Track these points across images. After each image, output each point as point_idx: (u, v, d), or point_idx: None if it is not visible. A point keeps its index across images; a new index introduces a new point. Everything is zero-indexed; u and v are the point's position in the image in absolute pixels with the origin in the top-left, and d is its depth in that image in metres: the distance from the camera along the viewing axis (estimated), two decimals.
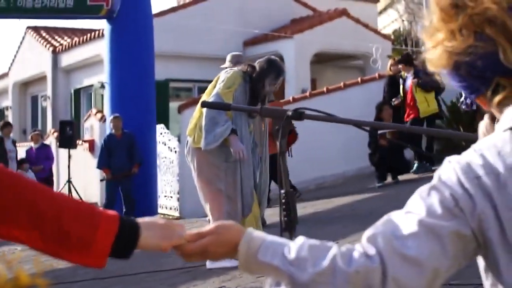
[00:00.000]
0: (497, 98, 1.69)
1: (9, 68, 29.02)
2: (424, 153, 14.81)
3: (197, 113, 7.65)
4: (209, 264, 7.29)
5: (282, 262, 1.70)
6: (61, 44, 25.41)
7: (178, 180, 15.32)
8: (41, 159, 18.14)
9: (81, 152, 19.15)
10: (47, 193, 1.92)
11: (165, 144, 16.15)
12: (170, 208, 15.77)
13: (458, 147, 14.35)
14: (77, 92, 25.03)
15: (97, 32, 22.48)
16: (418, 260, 1.61)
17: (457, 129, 14.45)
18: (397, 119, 13.75)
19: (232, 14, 22.42)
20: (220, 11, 22.22)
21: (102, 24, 17.94)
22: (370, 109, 13.97)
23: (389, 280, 1.62)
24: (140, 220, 1.99)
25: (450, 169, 1.67)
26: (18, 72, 27.83)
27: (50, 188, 2.00)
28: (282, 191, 2.16)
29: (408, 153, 14.20)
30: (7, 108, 29.47)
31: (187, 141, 7.78)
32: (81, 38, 23.91)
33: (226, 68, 10.24)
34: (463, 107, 13.42)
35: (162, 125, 16.48)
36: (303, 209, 11.24)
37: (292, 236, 2.14)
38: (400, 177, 13.43)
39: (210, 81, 7.91)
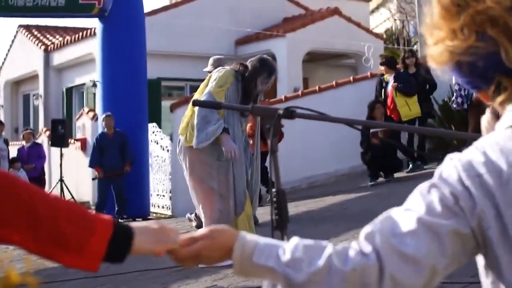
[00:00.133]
0: (499, 99, 1.68)
1: (1, 67, 28.94)
2: (415, 152, 14.83)
3: (189, 112, 7.65)
4: None
5: (277, 264, 1.70)
6: (53, 43, 25.36)
7: (170, 179, 15.32)
8: (33, 158, 18.10)
9: (73, 151, 19.12)
10: (42, 196, 1.92)
11: (157, 143, 16.14)
12: (162, 207, 15.77)
13: (450, 146, 14.45)
14: (69, 90, 24.98)
15: (89, 31, 22.45)
16: (416, 258, 1.60)
17: (448, 128, 14.48)
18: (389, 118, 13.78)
19: (224, 13, 22.41)
20: (212, 9, 22.21)
21: (94, 23, 17.89)
22: (362, 108, 13.99)
23: (386, 278, 1.61)
24: (134, 224, 1.99)
25: (451, 167, 1.66)
26: (9, 70, 27.77)
27: (45, 191, 2.00)
28: (274, 190, 2.16)
29: (400, 152, 14.22)
30: None
31: (179, 140, 7.77)
32: (73, 37, 23.88)
33: (209, 72, 10.33)
34: (454, 106, 13.43)
35: (154, 124, 16.47)
36: (295, 208, 11.25)
37: (283, 235, 2.14)
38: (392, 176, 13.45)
39: (202, 80, 7.91)
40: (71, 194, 17.09)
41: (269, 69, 7.66)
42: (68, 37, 24.47)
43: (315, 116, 2.47)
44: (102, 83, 15.54)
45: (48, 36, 26.45)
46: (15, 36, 27.76)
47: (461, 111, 13.71)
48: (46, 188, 18.69)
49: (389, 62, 14.56)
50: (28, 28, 26.84)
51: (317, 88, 16.72)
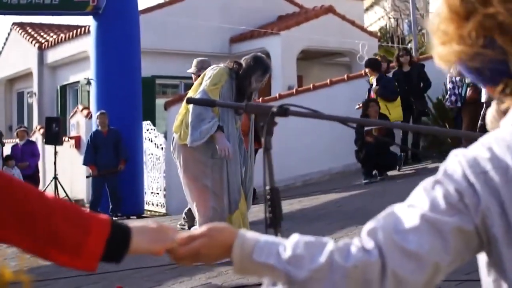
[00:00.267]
0: (507, 99, 1.68)
1: None
2: (410, 149, 14.85)
3: (183, 110, 7.64)
4: None
5: (278, 261, 1.69)
6: (47, 41, 25.32)
7: (164, 176, 15.31)
8: (26, 155, 18.07)
9: (67, 149, 19.09)
10: (38, 195, 1.91)
11: (151, 141, 16.13)
12: (157, 205, 15.76)
13: (444, 144, 14.45)
14: (63, 88, 24.94)
15: (83, 29, 22.42)
16: (419, 255, 1.59)
17: (442, 126, 14.49)
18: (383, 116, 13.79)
19: (218, 11, 22.40)
20: (207, 7, 22.19)
21: (88, 21, 17.88)
22: (356, 105, 14.00)
23: (389, 274, 1.60)
24: (132, 224, 1.99)
25: (456, 163, 1.64)
26: (3, 68, 27.71)
27: (40, 190, 1.99)
28: (267, 188, 2.16)
29: (395, 150, 14.22)
30: None
31: (173, 138, 7.77)
32: (67, 35, 23.84)
33: (192, 73, 10.43)
34: (448, 104, 13.45)
35: (148, 122, 16.46)
36: (289, 205, 11.25)
37: (277, 233, 2.14)
38: (387, 174, 13.46)
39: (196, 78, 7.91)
40: (65, 192, 17.07)
41: (263, 67, 7.67)
42: (62, 35, 24.43)
43: (309, 114, 2.47)
44: (96, 81, 15.52)
45: (42, 33, 26.41)
46: (9, 34, 27.70)
47: (455, 109, 13.75)
48: (40, 186, 18.67)
49: (372, 64, 14.53)
50: (22, 25, 26.79)
51: (311, 86, 16.72)
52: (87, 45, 19.17)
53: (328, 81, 16.66)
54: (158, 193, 15.78)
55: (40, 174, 19.29)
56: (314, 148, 15.49)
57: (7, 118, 28.00)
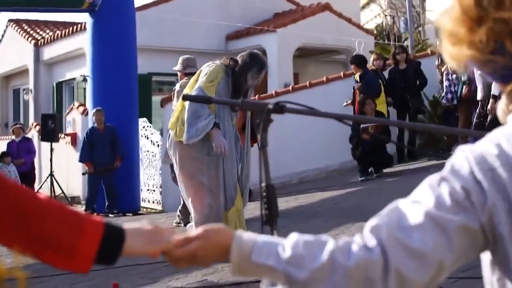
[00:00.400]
0: None
1: None
2: (406, 147, 14.86)
3: (179, 107, 7.64)
4: None
5: (278, 262, 1.67)
6: (43, 37, 25.28)
7: (160, 173, 15.31)
8: (22, 152, 18.05)
9: (63, 146, 19.07)
10: (31, 196, 1.90)
11: (147, 138, 16.12)
12: (153, 202, 15.76)
13: (440, 141, 14.46)
14: (59, 85, 24.92)
15: (79, 26, 22.38)
16: (422, 253, 1.56)
17: (438, 124, 14.49)
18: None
19: (214, 8, 22.38)
20: (203, 4, 22.17)
21: (84, 18, 17.86)
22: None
23: (391, 272, 1.58)
24: (127, 225, 1.97)
25: (462, 159, 1.60)
26: (0, 65, 27.69)
27: (34, 192, 1.98)
28: (263, 185, 2.16)
29: (391, 147, 14.23)
30: None
31: (169, 135, 7.76)
32: (63, 31, 23.80)
33: (178, 71, 10.50)
34: (444, 101, 13.46)
35: (144, 119, 16.45)
36: (285, 203, 11.25)
37: (273, 230, 2.14)
38: (383, 171, 13.46)
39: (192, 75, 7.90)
40: (61, 189, 17.06)
41: (259, 63, 7.66)
42: (58, 32, 24.40)
43: (305, 111, 2.47)
44: (93, 78, 15.52)
45: (38, 30, 26.36)
46: (5, 31, 27.65)
47: (451, 107, 13.76)
48: (36, 183, 18.65)
49: (357, 60, 14.54)
50: (18, 22, 26.74)
51: (307, 83, 16.72)
52: (83, 42, 19.13)
53: (324, 78, 16.66)
54: (154, 190, 15.77)
55: (36, 171, 19.27)
56: (310, 145, 15.50)
57: (3, 115, 27.97)
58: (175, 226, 10.41)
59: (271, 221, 2.14)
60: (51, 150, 17.14)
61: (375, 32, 24.63)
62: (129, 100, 15.16)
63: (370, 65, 15.18)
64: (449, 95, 13.28)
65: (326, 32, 21.51)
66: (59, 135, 18.24)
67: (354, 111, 13.96)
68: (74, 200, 18.45)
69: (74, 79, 23.48)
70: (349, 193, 11.95)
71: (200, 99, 6.17)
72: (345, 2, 25.20)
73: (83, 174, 15.99)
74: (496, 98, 11.45)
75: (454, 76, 13.32)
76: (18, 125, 18.99)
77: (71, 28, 23.26)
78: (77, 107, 19.71)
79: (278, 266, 1.66)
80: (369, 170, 13.44)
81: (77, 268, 1.89)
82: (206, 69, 7.56)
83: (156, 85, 23.22)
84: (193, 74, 10.52)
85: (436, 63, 14.46)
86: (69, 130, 20.16)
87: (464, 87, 13.31)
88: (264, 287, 1.77)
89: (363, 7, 28.20)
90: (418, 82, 14.76)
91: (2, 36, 27.86)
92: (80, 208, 15.46)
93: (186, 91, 7.72)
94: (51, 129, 17.26)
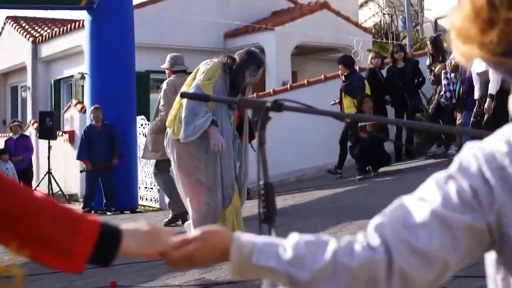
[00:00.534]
0: None
1: None
2: (404, 145, 14.86)
3: (177, 105, 7.63)
4: None
5: (279, 263, 1.65)
6: (41, 35, 25.26)
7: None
8: (20, 150, 18.03)
9: (61, 143, 19.05)
10: (27, 195, 1.89)
11: (145, 136, 16.09)
12: (151, 200, 15.75)
13: (438, 140, 14.46)
14: (57, 83, 24.90)
15: (77, 23, 22.37)
16: (427, 252, 1.54)
17: (436, 122, 14.48)
18: (378, 112, 13.80)
19: (213, 6, 22.37)
20: (201, 2, 22.16)
21: (82, 15, 17.85)
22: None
23: (395, 272, 1.55)
24: (124, 226, 1.96)
25: (471, 156, 1.57)
26: None
27: (31, 190, 1.97)
28: (261, 183, 2.15)
29: (388, 146, 14.23)
30: None
31: (167, 133, 7.75)
32: (61, 29, 23.79)
33: (166, 69, 10.57)
34: (443, 100, 13.46)
35: (142, 117, 16.43)
36: (283, 201, 11.25)
37: (271, 228, 2.13)
38: (380, 170, 13.46)
39: (190, 73, 7.89)
40: (59, 186, 17.04)
41: (257, 61, 7.65)
42: (56, 29, 24.38)
43: (304, 109, 2.47)
44: (91, 76, 15.50)
45: (36, 28, 26.33)
46: (3, 28, 27.62)
47: (450, 105, 13.75)
48: (34, 181, 18.64)
49: (344, 60, 14.56)
50: (16, 19, 26.71)
51: (305, 81, 16.73)
52: (81, 39, 19.12)
53: (322, 76, 16.66)
54: (152, 188, 15.76)
55: (34, 169, 19.24)
56: (308, 143, 15.50)
57: (1, 112, 27.95)
58: (167, 221, 10.42)
59: (269, 219, 2.13)
60: (49, 147, 17.12)
61: (373, 30, 24.64)
62: (127, 97, 15.15)
63: (368, 64, 15.19)
64: (448, 94, 13.27)
65: (324, 30, 21.51)
66: (57, 132, 18.23)
67: (340, 111, 13.99)
68: (72, 197, 18.45)
69: (72, 76, 23.48)
70: (347, 192, 11.96)
71: (198, 97, 6.15)
72: (343, 1, 25.18)
73: (81, 171, 15.98)
74: (493, 97, 11.46)
75: (452, 75, 13.32)
76: (15, 123, 18.97)
77: (69, 26, 23.23)
78: (75, 105, 19.70)
79: (279, 268, 1.64)
80: (367, 168, 13.44)
81: (71, 268, 1.88)
82: (203, 67, 7.55)
83: (154, 83, 23.17)
84: (181, 72, 10.64)
85: (428, 62, 14.39)
86: (67, 127, 20.15)
87: (462, 85, 13.31)
88: (265, 287, 1.76)
89: (361, 5, 28.18)
90: (416, 80, 14.76)
91: (0, 33, 27.82)
92: (78, 206, 15.46)
93: (183, 89, 7.70)
94: (49, 126, 17.25)
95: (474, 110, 11.91)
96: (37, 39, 25.13)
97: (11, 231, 1.83)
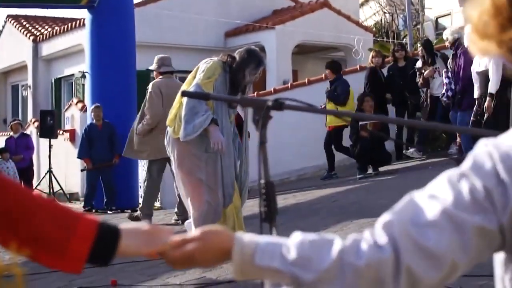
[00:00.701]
0: None
1: None
2: (404, 144, 14.85)
3: (177, 103, 7.62)
4: None
5: (283, 264, 1.62)
6: (42, 33, 25.27)
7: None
8: (21, 148, 18.05)
9: (61, 142, 19.06)
10: (25, 194, 1.88)
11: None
12: None
13: (438, 139, 14.44)
14: (58, 81, 24.91)
15: (78, 22, 22.37)
16: (435, 252, 1.51)
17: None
18: (378, 111, 13.79)
19: (213, 5, 22.37)
20: (202, 1, 22.17)
21: (83, 14, 17.85)
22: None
23: (403, 271, 1.52)
24: (123, 226, 1.94)
25: (485, 154, 1.53)
26: None
27: (28, 189, 1.96)
28: (262, 182, 2.15)
29: (389, 145, 14.22)
30: None
31: (167, 132, 7.74)
32: (62, 27, 23.80)
33: (153, 70, 10.66)
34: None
35: None
36: (284, 200, 11.25)
37: (272, 227, 2.13)
38: (381, 169, 13.45)
39: (191, 72, 7.89)
40: (59, 185, 17.05)
41: (257, 60, 7.64)
42: (57, 28, 24.40)
43: (305, 108, 2.46)
44: (91, 74, 15.49)
45: (37, 26, 26.34)
46: (3, 26, 27.63)
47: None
48: (35, 179, 18.65)
49: (332, 66, 14.57)
50: (16, 18, 26.72)
51: (306, 80, 16.72)
52: (82, 38, 19.12)
53: (323, 75, 16.64)
54: None
55: (35, 168, 19.26)
56: (309, 142, 15.49)
57: (1, 111, 27.97)
58: (174, 223, 10.42)
59: (270, 218, 2.13)
60: (50, 146, 17.13)
61: (374, 29, 24.64)
62: (128, 96, 15.14)
63: (368, 63, 15.18)
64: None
65: (325, 29, 21.51)
66: (58, 131, 18.24)
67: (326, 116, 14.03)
68: (73, 196, 18.46)
69: (72, 75, 23.49)
70: (348, 191, 11.95)
71: (199, 95, 6.14)
72: None
73: (82, 170, 15.98)
74: (493, 96, 11.45)
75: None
76: (16, 121, 18.98)
77: (69, 24, 23.24)
78: (76, 104, 19.71)
79: (283, 268, 1.62)
80: (368, 167, 13.44)
81: (68, 268, 1.87)
82: (203, 65, 7.54)
83: None
84: (168, 73, 10.73)
85: (418, 65, 14.28)
86: (67, 126, 20.16)
87: (456, 85, 13.31)
88: (268, 287, 1.74)
89: (362, 4, 28.19)
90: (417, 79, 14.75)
91: (1, 32, 27.83)
92: (79, 205, 15.47)
93: (184, 87, 7.71)
94: (49, 125, 17.26)
95: (474, 109, 11.90)
96: (38, 37, 25.14)
97: (10, 231, 1.83)
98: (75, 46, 22.27)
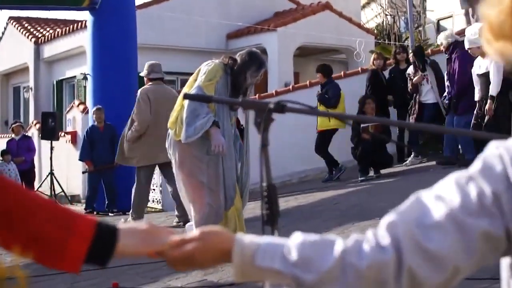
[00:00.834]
0: None
1: None
2: (406, 146, 14.84)
3: (178, 106, 7.62)
4: None
5: (284, 265, 1.60)
6: (44, 35, 25.28)
7: (160, 172, 15.27)
8: (22, 150, 18.05)
9: (63, 144, 19.06)
10: (23, 194, 1.88)
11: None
12: (153, 201, 15.71)
13: (441, 141, 14.43)
14: (60, 83, 24.92)
15: (79, 24, 22.38)
16: (438, 255, 1.48)
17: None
18: (380, 113, 13.80)
19: (215, 7, 22.39)
20: (203, 3, 22.17)
21: (84, 16, 17.86)
22: (352, 103, 14.00)
23: (404, 272, 1.50)
24: (122, 226, 1.93)
25: (496, 157, 1.49)
26: (0, 63, 27.68)
27: (26, 189, 1.95)
28: (264, 184, 2.15)
29: (391, 147, 14.22)
30: None
31: (168, 134, 7.75)
32: (63, 29, 23.81)
33: (144, 76, 10.73)
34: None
35: None
36: (285, 202, 11.25)
37: (274, 230, 2.13)
38: (382, 171, 13.45)
39: (192, 74, 7.89)
40: (61, 187, 17.05)
41: (258, 62, 7.65)
42: (58, 30, 24.40)
43: (306, 110, 2.46)
44: (93, 76, 15.51)
45: (38, 28, 26.36)
46: (5, 28, 27.65)
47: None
48: (36, 181, 18.65)
49: (323, 69, 14.57)
50: (18, 20, 26.74)
51: (307, 83, 16.70)
52: (83, 40, 19.14)
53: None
54: (154, 189, 15.72)
55: (36, 169, 19.27)
56: (310, 145, 15.46)
57: (3, 113, 27.98)
58: (175, 225, 10.42)
59: (272, 221, 2.13)
60: (51, 148, 17.13)
61: (375, 31, 24.63)
62: (130, 98, 15.09)
63: (370, 65, 15.17)
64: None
65: (326, 31, 21.51)
66: (59, 133, 18.24)
67: (317, 119, 14.06)
68: (74, 198, 18.45)
69: (74, 77, 23.49)
70: (349, 193, 11.95)
71: (201, 98, 6.15)
72: (346, 2, 25.21)
73: (83, 172, 15.98)
74: (494, 98, 11.45)
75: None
76: (17, 124, 18.98)
77: (71, 26, 23.25)
78: (77, 106, 19.70)
79: (284, 270, 1.60)
80: (369, 169, 13.44)
81: (66, 267, 1.86)
82: (204, 68, 7.55)
83: None
84: (158, 79, 10.81)
85: (409, 71, 14.25)
86: (69, 128, 20.15)
87: (451, 89, 13.32)
88: (268, 287, 1.74)
89: (364, 6, 28.20)
90: None
91: (3, 33, 27.85)
92: (80, 207, 15.47)
93: (185, 90, 7.71)
94: (51, 127, 17.26)
95: (475, 112, 11.90)
96: (40, 39, 25.15)
97: (10, 231, 1.83)
98: (76, 48, 22.28)
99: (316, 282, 1.57)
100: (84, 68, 18.73)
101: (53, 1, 16.14)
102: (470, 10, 21.76)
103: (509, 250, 1.51)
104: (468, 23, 20.45)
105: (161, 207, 15.09)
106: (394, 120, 13.74)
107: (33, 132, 21.25)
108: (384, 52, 17.48)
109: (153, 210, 15.24)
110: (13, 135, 18.74)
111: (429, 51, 16.52)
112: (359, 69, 16.87)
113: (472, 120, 11.89)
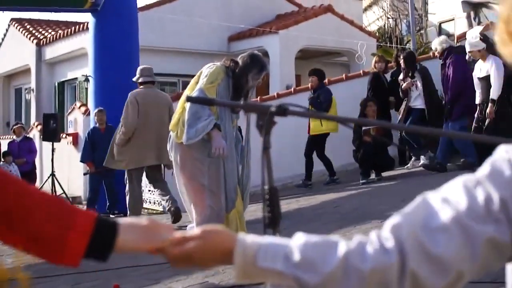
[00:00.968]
0: None
1: None
2: (407, 149, 14.83)
3: (180, 108, 7.63)
4: None
5: (286, 266, 1.59)
6: (45, 37, 25.30)
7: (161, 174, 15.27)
8: (23, 152, 18.05)
9: (64, 146, 19.07)
10: (25, 192, 1.88)
11: None
12: (154, 203, 15.73)
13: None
14: (61, 85, 24.93)
15: (81, 25, 22.40)
16: (442, 259, 1.47)
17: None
18: (381, 116, 13.79)
19: (217, 9, 22.39)
20: (205, 5, 22.18)
21: (86, 17, 17.90)
22: (354, 105, 13.99)
23: (407, 275, 1.49)
24: (122, 221, 1.91)
25: (505, 162, 1.47)
26: (1, 64, 27.68)
27: (26, 184, 1.94)
28: (266, 187, 2.15)
29: (392, 150, 14.21)
30: None
31: (170, 136, 7.75)
32: (65, 31, 23.82)
33: (135, 81, 10.79)
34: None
35: None
36: (286, 205, 11.24)
37: (275, 232, 2.13)
38: (384, 174, 13.44)
39: (194, 76, 7.90)
40: (62, 189, 17.05)
41: (259, 65, 7.66)
42: (60, 31, 24.42)
43: (308, 113, 2.47)
44: (95, 78, 15.52)
45: (40, 30, 26.39)
46: (7, 30, 27.68)
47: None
48: (37, 183, 18.65)
49: (317, 73, 14.58)
50: (20, 21, 26.77)
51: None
52: (85, 41, 19.16)
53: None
54: (155, 191, 15.74)
55: (38, 171, 19.27)
56: None
57: (5, 114, 27.99)
58: (177, 227, 10.42)
59: (274, 224, 2.13)
60: (53, 150, 17.14)
61: (377, 34, 24.64)
62: None
63: (371, 68, 15.17)
64: None
65: (328, 34, 21.51)
66: (61, 135, 18.25)
67: (308, 123, 14.08)
68: (75, 200, 18.44)
69: (76, 79, 23.50)
70: (351, 196, 11.94)
71: (202, 100, 6.15)
72: (348, 4, 25.24)
73: (85, 174, 15.98)
74: (495, 102, 11.45)
75: None
76: (19, 125, 18.98)
77: (73, 28, 23.27)
78: (79, 107, 19.71)
79: (286, 271, 1.59)
80: (371, 172, 13.43)
81: (66, 262, 1.85)
82: (206, 70, 7.56)
83: (157, 86, 23.20)
84: (148, 83, 10.87)
85: (400, 76, 14.23)
86: (70, 130, 20.16)
87: (445, 95, 13.33)
88: (269, 287, 1.73)
89: (366, 9, 28.22)
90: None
91: (4, 35, 27.88)
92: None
93: (187, 92, 7.72)
94: (52, 129, 17.26)
95: (476, 115, 11.90)
96: (41, 41, 25.17)
97: (10, 229, 1.83)
98: (78, 49, 22.29)
99: (319, 283, 1.56)
100: (85, 69, 18.74)
101: (55, 3, 16.15)
102: (472, 13, 21.77)
103: None
104: (470, 26, 20.46)
105: (162, 209, 15.09)
106: (395, 123, 13.74)
107: (35, 134, 21.26)
108: (386, 55, 17.47)
109: (153, 212, 15.25)
110: (14, 137, 18.74)
111: (430, 54, 16.50)
112: (361, 71, 16.87)
113: (473, 123, 11.89)
